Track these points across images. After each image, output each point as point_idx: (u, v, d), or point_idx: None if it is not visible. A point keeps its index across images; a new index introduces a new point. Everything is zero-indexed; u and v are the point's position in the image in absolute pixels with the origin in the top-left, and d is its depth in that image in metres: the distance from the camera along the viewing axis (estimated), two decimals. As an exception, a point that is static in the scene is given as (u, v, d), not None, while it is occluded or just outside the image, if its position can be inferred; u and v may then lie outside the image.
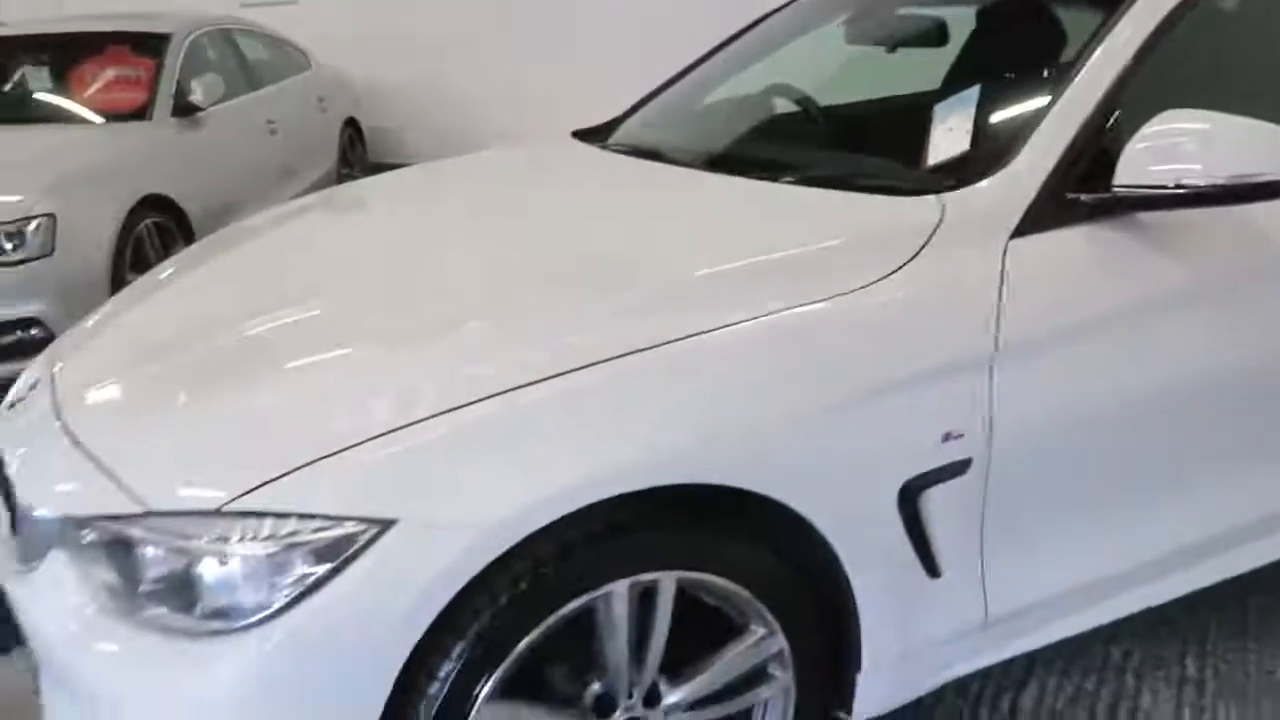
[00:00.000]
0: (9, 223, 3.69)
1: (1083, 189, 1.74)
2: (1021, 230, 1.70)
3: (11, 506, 1.75)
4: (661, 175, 2.21)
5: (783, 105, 2.62)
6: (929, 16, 2.54)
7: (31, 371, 1.97)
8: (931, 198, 1.72)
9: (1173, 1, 1.88)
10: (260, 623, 1.32)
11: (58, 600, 1.50)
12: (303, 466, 1.34)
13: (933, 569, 1.67)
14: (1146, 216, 1.76)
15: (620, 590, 1.44)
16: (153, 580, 1.41)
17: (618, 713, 1.52)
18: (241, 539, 1.33)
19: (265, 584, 1.32)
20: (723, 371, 1.49)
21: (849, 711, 1.73)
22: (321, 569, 1.31)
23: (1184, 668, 2.14)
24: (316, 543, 1.31)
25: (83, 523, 1.48)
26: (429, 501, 1.33)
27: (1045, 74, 2.00)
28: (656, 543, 1.46)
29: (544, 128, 6.86)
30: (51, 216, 3.77)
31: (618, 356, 1.44)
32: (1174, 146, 1.67)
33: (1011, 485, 1.68)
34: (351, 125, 6.85)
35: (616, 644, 1.47)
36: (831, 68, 2.70)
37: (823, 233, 1.70)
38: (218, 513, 1.34)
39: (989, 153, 1.81)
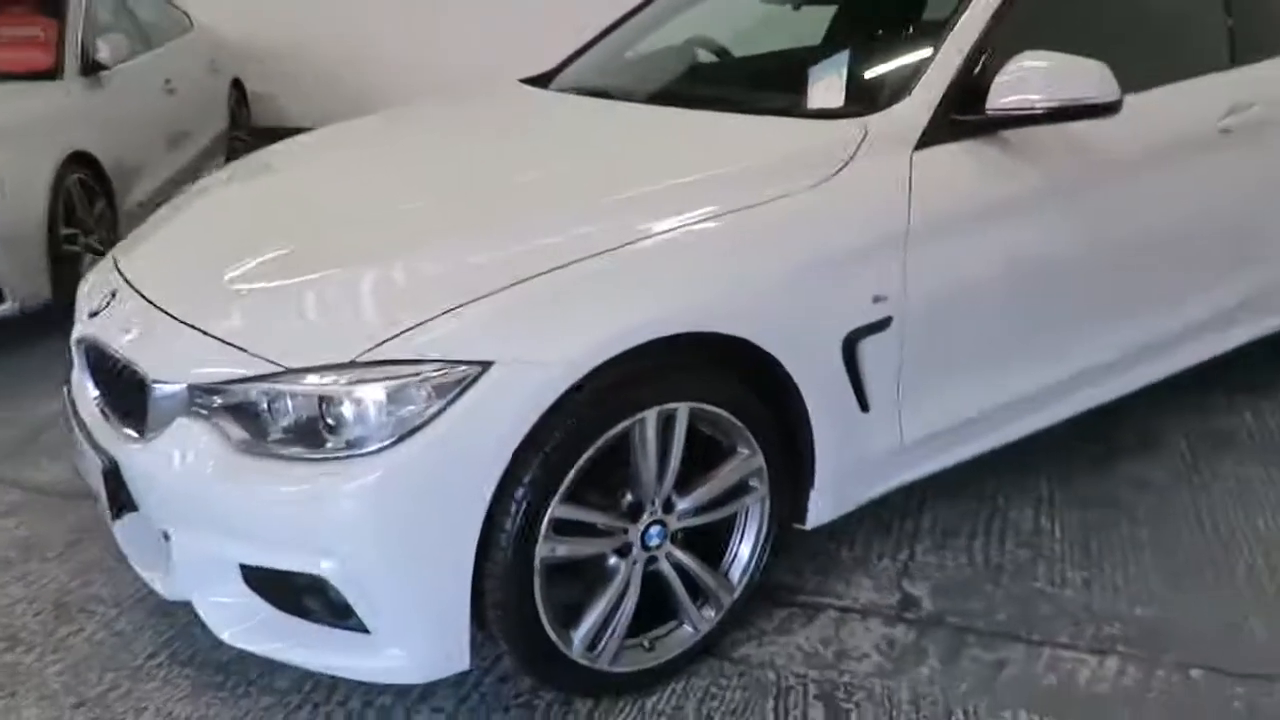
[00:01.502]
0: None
1: (963, 113, 2.28)
2: (921, 145, 2.24)
3: (106, 393, 2.09)
4: (627, 110, 2.66)
5: (722, 50, 3.10)
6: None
7: (99, 284, 2.27)
8: (856, 120, 2.24)
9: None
10: (386, 448, 1.72)
11: (191, 454, 1.86)
12: (415, 326, 1.75)
13: (864, 405, 2.20)
14: (1008, 133, 2.32)
15: (650, 417, 1.90)
16: (283, 428, 1.80)
17: (644, 516, 1.99)
18: (371, 383, 1.73)
19: (392, 417, 1.72)
20: (720, 249, 1.97)
21: (803, 522, 2.25)
22: (436, 404, 1.72)
23: (1039, 491, 2.76)
24: (432, 382, 1.72)
25: (213, 389, 1.84)
26: (516, 346, 1.76)
27: (928, 25, 2.53)
28: (676, 380, 1.93)
29: (424, 90, 7.14)
30: (-11, 173, 3.90)
31: (644, 238, 1.90)
32: (1024, 80, 2.23)
33: (919, 339, 2.22)
34: (238, 88, 6.95)
35: (647, 461, 1.93)
36: (751, 21, 3.18)
37: (780, 146, 2.20)
38: (351, 364, 1.73)
39: (893, 87, 2.33)
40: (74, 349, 2.20)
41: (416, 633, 1.82)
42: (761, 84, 2.64)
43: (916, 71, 2.33)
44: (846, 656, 2.18)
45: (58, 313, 4.11)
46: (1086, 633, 2.22)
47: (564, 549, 1.89)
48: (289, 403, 1.78)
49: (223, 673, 2.20)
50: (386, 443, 1.72)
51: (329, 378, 1.75)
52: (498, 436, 1.75)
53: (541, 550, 1.84)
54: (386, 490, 1.73)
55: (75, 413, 2.23)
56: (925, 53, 2.36)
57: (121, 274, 2.25)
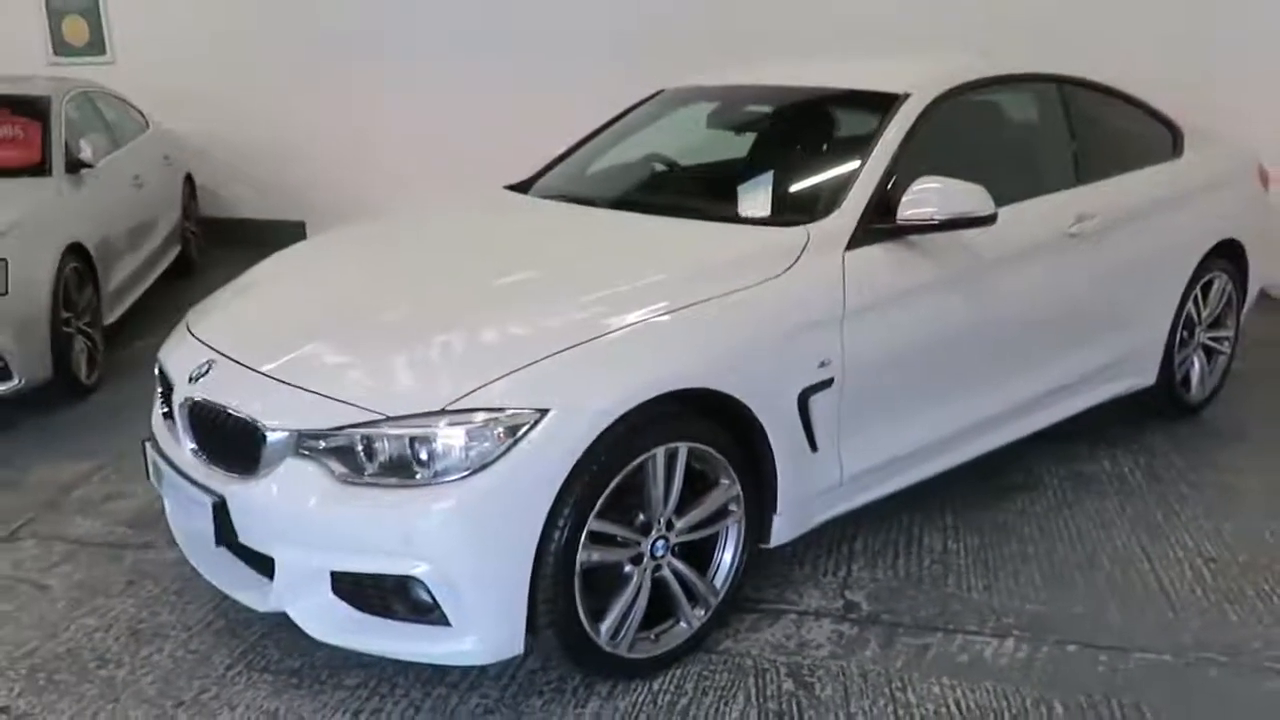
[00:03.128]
0: (-29, 267, 4.18)
1: (879, 222, 2.97)
2: (850, 246, 2.91)
3: (206, 444, 2.56)
4: (617, 215, 3.28)
5: (684, 166, 3.76)
6: (766, 112, 3.77)
7: (187, 354, 2.74)
8: (799, 228, 2.89)
9: (915, 115, 3.18)
10: (468, 476, 2.25)
11: (299, 487, 2.36)
12: (489, 382, 2.30)
13: (814, 446, 2.81)
14: (913, 238, 3.01)
15: (660, 453, 2.47)
16: (380, 463, 2.31)
17: (652, 531, 2.54)
18: (457, 425, 2.26)
19: (471, 452, 2.26)
20: (709, 325, 2.58)
21: (768, 542, 2.84)
22: (507, 442, 2.27)
23: (945, 520, 3.41)
24: (504, 425, 2.27)
25: (319, 435, 2.35)
26: (566, 397, 2.32)
27: (840, 145, 3.23)
28: (678, 425, 2.51)
29: (362, 186, 7.69)
30: (4, 260, 4.29)
31: (655, 316, 2.50)
32: (924, 198, 2.93)
33: (854, 395, 2.86)
34: (189, 182, 7.38)
35: (657, 488, 2.50)
36: (699, 141, 3.87)
37: (742, 248, 2.84)
38: (442, 411, 2.27)
39: (825, 201, 3.01)
40: (177, 410, 2.65)
41: (487, 623, 2.32)
42: (719, 196, 3.28)
43: (843, 188, 3.02)
44: (807, 646, 2.75)
45: (58, 389, 4.50)
46: (989, 623, 2.84)
47: (597, 556, 2.43)
48: (386, 443, 2.30)
49: (297, 676, 2.65)
50: (467, 473, 2.26)
51: (422, 423, 2.28)
52: (553, 466, 2.30)
53: (581, 556, 2.38)
54: (470, 509, 2.25)
55: (170, 463, 2.68)
56: (846, 172, 3.06)
57: (207, 344, 2.73)
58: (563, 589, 2.37)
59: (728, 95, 3.93)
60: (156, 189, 6.47)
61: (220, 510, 2.47)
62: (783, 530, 2.84)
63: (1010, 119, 3.76)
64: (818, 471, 2.86)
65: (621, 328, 2.47)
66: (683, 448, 2.52)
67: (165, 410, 2.87)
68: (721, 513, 2.68)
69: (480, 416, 2.27)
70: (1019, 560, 3.17)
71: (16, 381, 4.33)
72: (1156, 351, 3.99)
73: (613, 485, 2.40)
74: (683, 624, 2.66)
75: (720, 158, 3.78)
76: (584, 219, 3.34)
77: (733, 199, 3.23)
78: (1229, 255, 4.21)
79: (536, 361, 2.35)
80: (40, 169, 5.17)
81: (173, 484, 2.67)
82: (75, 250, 4.86)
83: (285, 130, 7.93)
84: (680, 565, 2.62)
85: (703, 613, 2.69)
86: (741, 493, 2.68)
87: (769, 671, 2.65)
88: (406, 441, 2.29)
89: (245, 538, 2.49)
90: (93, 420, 4.54)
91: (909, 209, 2.93)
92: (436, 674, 2.63)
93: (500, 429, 2.27)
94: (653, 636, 2.62)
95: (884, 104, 3.26)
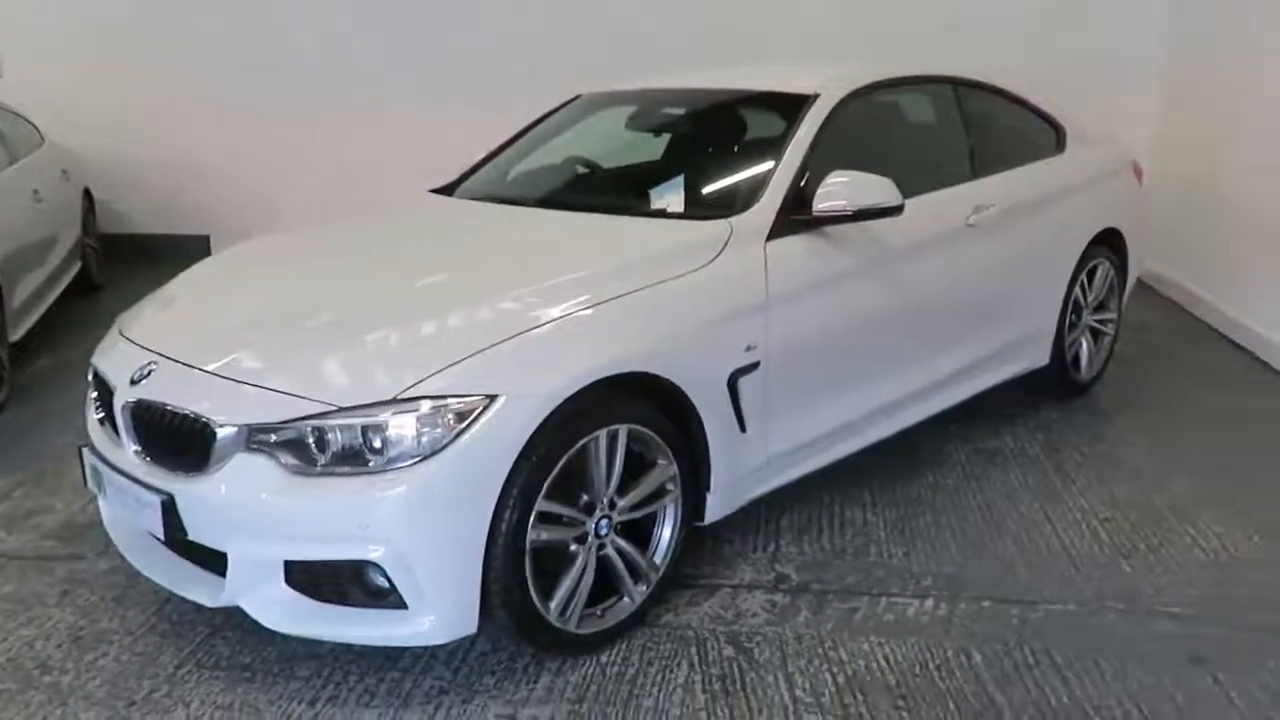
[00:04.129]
0: None
1: (796, 214, 3.15)
2: (770, 237, 3.07)
3: (150, 444, 2.59)
4: (541, 214, 3.40)
5: (605, 165, 3.89)
6: (682, 114, 3.93)
7: (124, 357, 2.76)
8: (722, 221, 3.05)
9: (825, 114, 3.38)
10: (421, 461, 2.34)
11: (250, 482, 2.41)
12: (437, 371, 2.39)
13: (742, 427, 2.97)
14: (828, 229, 3.20)
15: (602, 435, 2.59)
16: (332, 454, 2.38)
17: (596, 511, 2.66)
18: (409, 413, 2.34)
19: (423, 438, 2.34)
20: (643, 312, 2.71)
21: (702, 520, 2.98)
22: (457, 428, 2.36)
23: (864, 497, 3.60)
24: (454, 412, 2.36)
25: (269, 428, 2.40)
26: (514, 383, 2.42)
27: (752, 145, 3.40)
28: (618, 408, 2.63)
29: (262, 199, 7.64)
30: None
31: (593, 304, 2.62)
32: (837, 190, 3.11)
33: (777, 377, 3.02)
34: (87, 197, 7.20)
35: (599, 469, 2.62)
36: (619, 143, 4.00)
37: (670, 241, 2.98)
38: (393, 400, 2.35)
39: (745, 195, 3.17)
40: (120, 412, 2.66)
41: (443, 603, 2.40)
42: (644, 193, 3.43)
43: (760, 184, 3.19)
44: (743, 616, 2.90)
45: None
46: (909, 586, 3.03)
47: (545, 535, 2.53)
48: (338, 433, 2.37)
49: (249, 670, 2.68)
50: (420, 458, 2.34)
51: (374, 411, 2.35)
52: (502, 450, 2.40)
53: (531, 536, 2.48)
54: (424, 493, 2.33)
55: (111, 466, 2.69)
56: (763, 168, 3.23)
57: (145, 346, 2.75)
58: (514, 568, 2.47)
59: (644, 99, 4.08)
60: (55, 204, 6.32)
61: (169, 508, 2.50)
62: (716, 508, 2.98)
63: (910, 118, 4.00)
64: (747, 451, 3.01)
65: (561, 316, 2.58)
66: (623, 430, 2.65)
67: (101, 415, 2.87)
68: (660, 492, 2.81)
69: (431, 404, 2.35)
70: (934, 529, 3.38)
71: (-79, 400, 4.22)
72: (1049, 333, 4.28)
73: (558, 467, 2.51)
74: (626, 599, 2.78)
75: (641, 158, 3.93)
76: (512, 218, 3.45)
77: (661, 195, 3.38)
78: (1110, 244, 4.54)
79: (482, 350, 2.45)
80: (-66, 184, 5.03)
81: (115, 486, 2.68)
82: (-23, 268, 4.75)
83: (186, 145, 7.81)
84: (623, 543, 2.74)
85: (644, 588, 2.81)
86: (678, 472, 2.81)
87: (709, 640, 2.78)
88: (358, 430, 2.36)
89: (195, 534, 2.52)
90: (3, 438, 4.44)
91: (823, 201, 3.11)
92: (388, 660, 2.69)
93: (450, 415, 2.36)
94: (599, 613, 2.73)
95: (795, 104, 3.45)
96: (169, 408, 2.54)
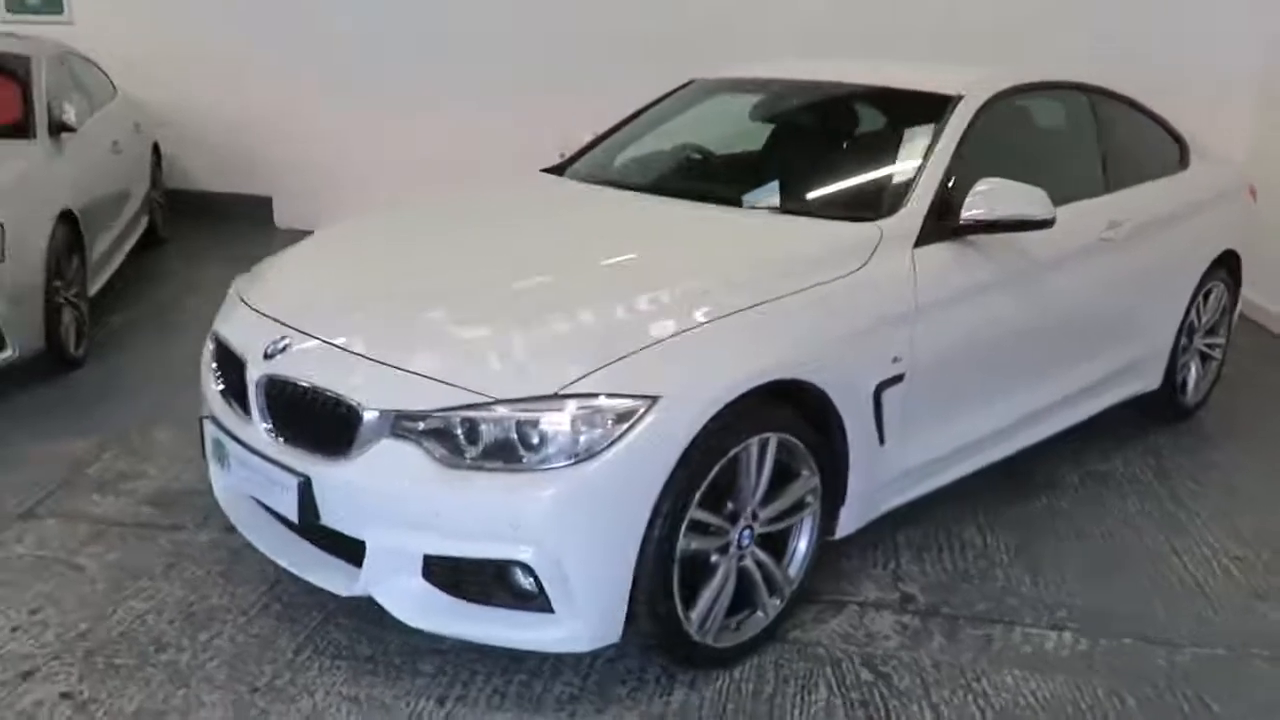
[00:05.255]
0: (-34, 230, 3.98)
1: (940, 221, 3.02)
2: (917, 244, 2.95)
3: (284, 423, 2.49)
4: (663, 202, 3.29)
5: (733, 155, 3.76)
6: (813, 107, 3.79)
7: (253, 329, 2.66)
8: (871, 224, 2.93)
9: (969, 116, 3.24)
10: (580, 462, 2.23)
11: (395, 470, 2.31)
12: (604, 366, 2.28)
13: (881, 440, 2.85)
14: (972, 238, 3.07)
15: (754, 443, 2.48)
16: (483, 447, 2.27)
17: (740, 521, 2.55)
18: (569, 411, 2.24)
19: (581, 437, 2.23)
20: (800, 317, 2.59)
21: (833, 533, 2.87)
22: (618, 428, 2.25)
23: (977, 518, 3.48)
24: (615, 412, 2.25)
25: (419, 415, 2.30)
26: (677, 385, 2.31)
27: (908, 151, 3.26)
28: (771, 416, 2.52)
29: (335, 162, 7.50)
30: (1, 226, 4.08)
31: (750, 307, 2.50)
32: (989, 198, 2.98)
33: (920, 390, 2.90)
34: (155, 151, 7.11)
35: (749, 478, 2.51)
36: (738, 132, 3.87)
37: (820, 242, 2.86)
38: (554, 396, 2.24)
39: (892, 198, 3.04)
40: (252, 387, 2.56)
41: (591, 610, 2.30)
42: (782, 188, 3.27)
43: (906, 186, 3.06)
44: (874, 637, 2.79)
45: (44, 362, 4.32)
46: (1043, 617, 2.92)
47: (694, 545, 2.43)
48: (491, 426, 2.26)
49: (371, 662, 2.59)
50: (578, 458, 2.23)
51: (533, 406, 2.25)
52: (662, 455, 2.29)
53: (681, 545, 2.38)
54: (582, 495, 2.23)
55: (238, 441, 2.60)
56: (908, 170, 3.11)
57: (274, 318, 2.65)
58: (662, 577, 2.37)
59: (766, 88, 3.94)
60: (131, 156, 6.24)
61: (305, 491, 2.41)
62: (848, 522, 2.87)
63: (1046, 125, 3.85)
64: (883, 465, 2.90)
65: (720, 317, 2.47)
66: (773, 439, 2.53)
67: (223, 386, 2.77)
68: (800, 504, 2.70)
69: (593, 402, 2.25)
70: (1057, 556, 3.26)
71: (11, 352, 4.14)
72: (1163, 356, 4.14)
73: (712, 474, 2.40)
74: (760, 613, 2.68)
75: (765, 149, 3.79)
76: (641, 205, 3.33)
77: (797, 191, 3.24)
78: (1227, 266, 4.38)
79: (644, 348, 2.34)
80: (21, 131, 4.93)
81: (242, 463, 2.59)
82: (64, 217, 4.66)
83: (254, 104, 7.67)
84: (762, 554, 2.64)
85: (779, 602, 2.71)
86: (820, 484, 2.70)
87: (844, 661, 2.68)
88: (513, 425, 2.26)
89: (330, 519, 2.43)
90: (85, 395, 4.37)
91: (973, 209, 2.98)
92: (514, 661, 2.60)
93: (612, 415, 2.25)
94: (734, 625, 2.63)
95: (937, 105, 3.31)
96: (308, 386, 2.44)
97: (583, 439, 2.24)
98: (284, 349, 2.54)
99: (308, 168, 7.72)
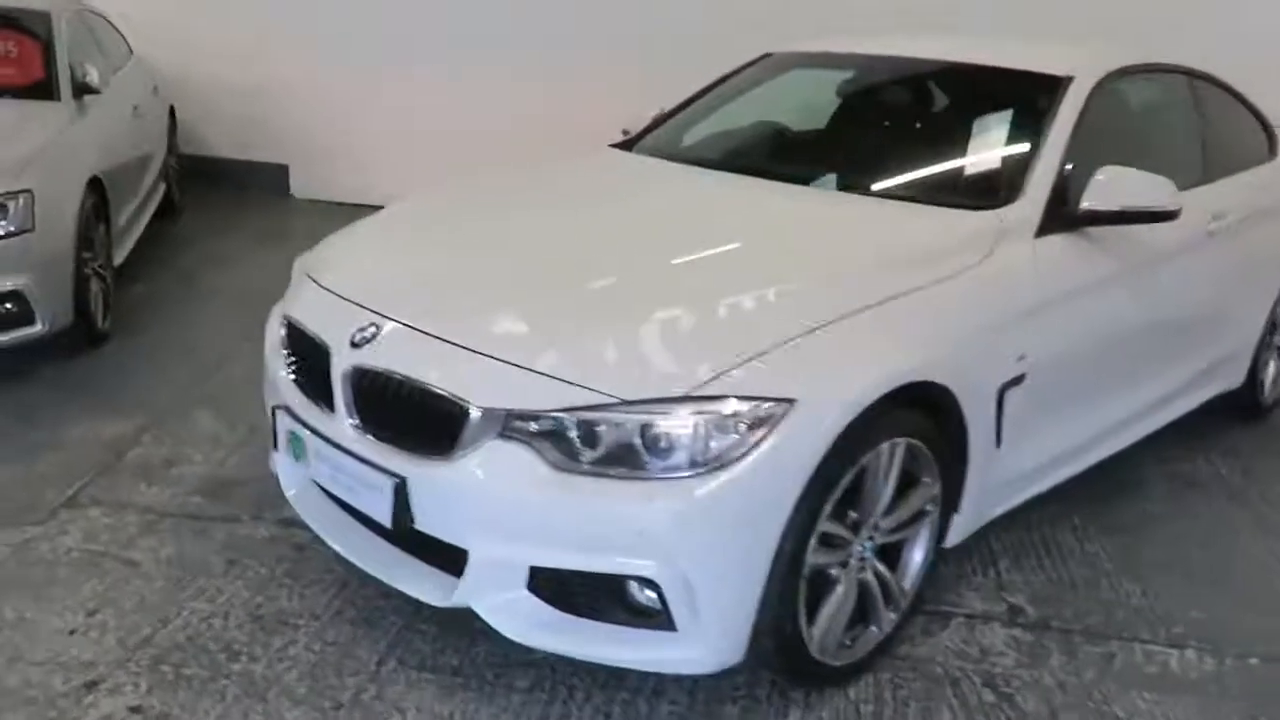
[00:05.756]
0: (-5, 196, 3.74)
1: (1057, 210, 2.83)
2: (1038, 234, 2.76)
3: (372, 417, 2.28)
4: (758, 184, 3.08)
5: (825, 134, 3.55)
6: (902, 85, 3.58)
7: (328, 313, 2.46)
8: (990, 213, 2.73)
9: (1083, 98, 3.04)
10: (712, 470, 2.04)
11: (505, 473, 2.11)
12: (738, 365, 2.08)
13: (998, 442, 2.67)
14: (1090, 229, 2.88)
15: (885, 449, 2.30)
16: (603, 451, 2.08)
17: (863, 530, 2.37)
18: (699, 415, 2.04)
19: (713, 443, 2.04)
20: (931, 313, 2.40)
21: (944, 542, 2.69)
22: (754, 434, 2.06)
23: (1071, 521, 3.31)
24: (751, 416, 2.06)
25: (532, 415, 2.10)
26: (814, 387, 2.12)
27: (1018, 134, 3.06)
28: (901, 419, 2.33)
29: (352, 131, 7.21)
30: (30, 193, 3.84)
31: (882, 301, 2.31)
32: (1113, 186, 2.79)
33: (1039, 390, 2.72)
34: (171, 115, 6.84)
35: (876, 485, 2.33)
36: (822, 110, 3.66)
37: (941, 231, 2.66)
38: (685, 398, 2.05)
39: (1008, 185, 2.85)
40: (339, 379, 2.35)
41: (716, 629, 2.12)
42: (888, 171, 3.06)
43: (1020, 173, 2.86)
44: (989, 654, 2.63)
45: (70, 336, 4.09)
46: (1160, 632, 2.76)
47: (821, 559, 2.25)
48: (612, 429, 2.07)
49: (460, 675, 2.41)
50: (710, 466, 2.04)
51: (662, 409, 2.05)
52: (799, 464, 2.10)
53: (809, 559, 2.20)
54: (713, 508, 2.04)
55: (320, 436, 2.39)
56: (1020, 155, 2.91)
57: (357, 302, 2.44)
58: (790, 594, 2.19)
59: (852, 63, 3.73)
60: (151, 119, 5.98)
61: (400, 493, 2.21)
62: (959, 529, 2.70)
63: (1149, 109, 3.66)
64: (997, 469, 2.72)
65: (852, 313, 2.27)
66: (902, 443, 2.35)
67: (297, 375, 2.57)
68: (920, 512, 2.52)
69: (727, 405, 2.05)
70: (1160, 565, 3.10)
71: (40, 327, 3.91)
72: (1247, 353, 3.98)
73: (844, 483, 2.22)
74: (874, 628, 2.50)
75: (862, 129, 3.57)
76: (737, 187, 3.12)
77: (896, 175, 3.04)
78: (1310, 260, 4.21)
79: (777, 346, 2.15)
80: (43, 92, 4.67)
81: (325, 460, 2.39)
82: (92, 184, 4.42)
83: (270, 69, 7.37)
84: (880, 566, 2.46)
85: (894, 615, 2.54)
86: (940, 492, 2.53)
87: (963, 681, 2.51)
88: (637, 429, 2.06)
89: (426, 524, 2.23)
90: (115, 372, 4.15)
91: (1094, 198, 2.79)
92: (613, 677, 2.42)
93: (747, 420, 2.06)
94: (848, 641, 2.46)
95: (1047, 86, 3.11)
96: (406, 379, 2.24)
97: (714, 445, 2.05)
98: (373, 337, 2.34)
99: (326, 135, 7.46)
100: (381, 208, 3.13)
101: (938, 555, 2.64)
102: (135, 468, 3.34)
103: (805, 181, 3.08)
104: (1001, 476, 2.76)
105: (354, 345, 2.35)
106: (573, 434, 2.09)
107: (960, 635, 2.69)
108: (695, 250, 2.58)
